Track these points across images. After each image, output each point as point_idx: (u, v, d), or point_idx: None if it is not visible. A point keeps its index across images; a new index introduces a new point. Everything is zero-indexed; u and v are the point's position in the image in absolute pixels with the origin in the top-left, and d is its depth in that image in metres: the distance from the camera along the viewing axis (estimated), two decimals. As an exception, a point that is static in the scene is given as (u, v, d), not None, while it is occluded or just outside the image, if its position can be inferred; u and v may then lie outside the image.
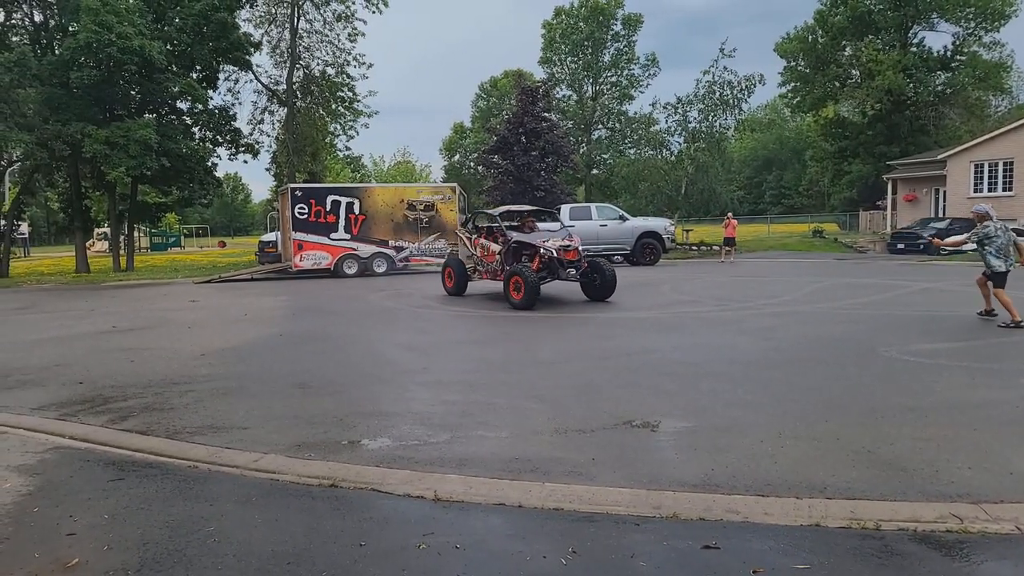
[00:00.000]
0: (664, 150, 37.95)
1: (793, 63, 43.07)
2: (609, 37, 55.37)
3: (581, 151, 52.30)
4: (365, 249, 21.17)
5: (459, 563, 3.14)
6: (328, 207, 20.84)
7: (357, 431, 5.27)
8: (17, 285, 21.67)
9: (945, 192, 29.22)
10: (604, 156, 55.87)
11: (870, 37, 39.20)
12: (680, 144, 36.52)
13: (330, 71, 35.69)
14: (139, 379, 7.22)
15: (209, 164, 26.31)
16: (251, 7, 31.27)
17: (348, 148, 44.17)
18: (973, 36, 39.00)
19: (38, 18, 24.61)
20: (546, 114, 32.91)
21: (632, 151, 50.77)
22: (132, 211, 26.84)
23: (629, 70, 56.11)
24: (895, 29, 39.60)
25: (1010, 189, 26.69)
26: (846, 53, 41.42)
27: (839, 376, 6.62)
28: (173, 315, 12.90)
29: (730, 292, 14.10)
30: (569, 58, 56.10)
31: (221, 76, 29.24)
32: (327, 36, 35.14)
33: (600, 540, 3.36)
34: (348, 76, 35.82)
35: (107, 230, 32.88)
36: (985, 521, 3.46)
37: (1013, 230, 9.78)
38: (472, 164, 60.71)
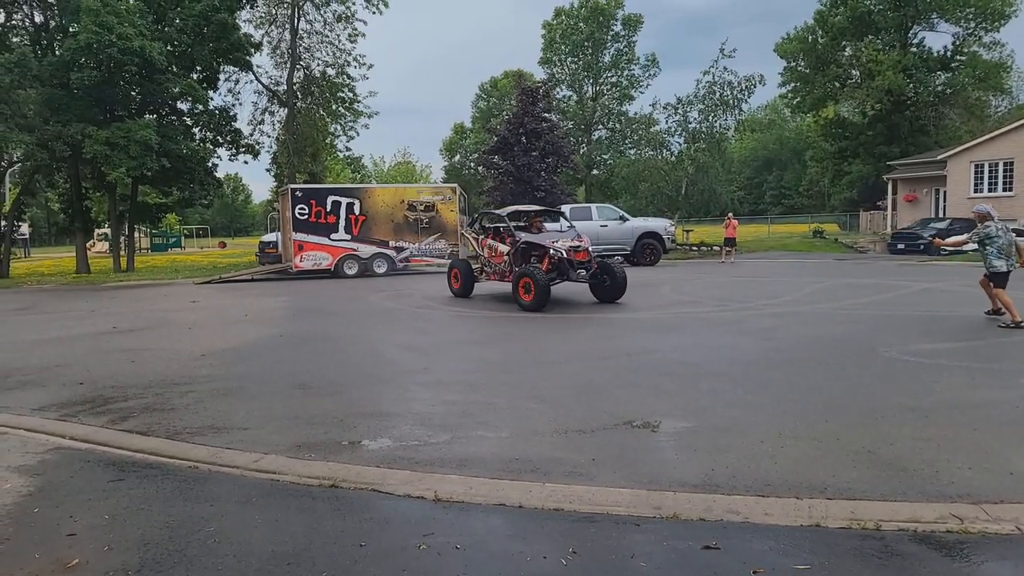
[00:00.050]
0: (664, 150, 38.02)
1: (793, 63, 43.05)
2: (609, 37, 55.42)
3: (581, 151, 52.31)
4: (365, 250, 21.16)
5: (459, 563, 3.14)
6: (328, 208, 20.84)
7: (357, 431, 5.27)
8: (18, 286, 21.68)
9: (945, 192, 29.21)
10: (604, 156, 55.88)
11: (870, 37, 39.16)
12: (680, 144, 36.62)
13: (330, 72, 35.80)
14: (139, 380, 7.22)
15: (209, 165, 26.35)
16: (251, 8, 31.28)
17: (348, 149, 44.39)
18: (973, 36, 38.99)
19: (38, 19, 24.65)
20: (546, 115, 32.88)
21: (632, 151, 50.87)
22: (132, 212, 26.86)
23: (629, 70, 56.21)
24: (895, 29, 39.59)
25: (1010, 189, 26.69)
26: (846, 53, 41.40)
27: (839, 376, 6.62)
28: (173, 316, 12.90)
29: (730, 292, 14.10)
30: (569, 58, 56.14)
31: (221, 77, 29.31)
32: (327, 37, 35.28)
33: (600, 540, 3.36)
34: (348, 77, 35.94)
35: (107, 231, 32.94)
36: (985, 521, 3.46)
37: (1013, 230, 9.78)
38: (472, 164, 60.70)
